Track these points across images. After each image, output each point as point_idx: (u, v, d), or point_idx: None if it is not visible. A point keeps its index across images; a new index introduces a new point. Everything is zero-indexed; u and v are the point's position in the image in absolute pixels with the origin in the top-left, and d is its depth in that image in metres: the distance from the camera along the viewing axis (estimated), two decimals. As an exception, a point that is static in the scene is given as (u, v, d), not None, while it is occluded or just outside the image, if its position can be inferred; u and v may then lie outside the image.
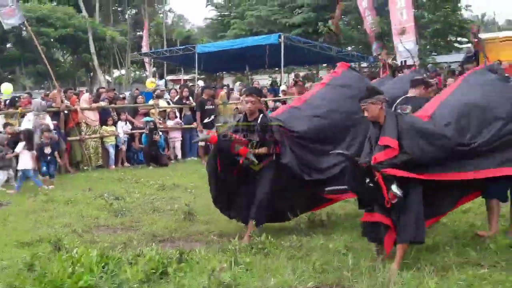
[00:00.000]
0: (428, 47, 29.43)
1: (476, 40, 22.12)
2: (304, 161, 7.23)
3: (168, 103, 17.91)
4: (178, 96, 18.17)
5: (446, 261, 5.64)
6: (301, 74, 31.39)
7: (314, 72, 35.71)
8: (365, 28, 28.43)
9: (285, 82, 25.76)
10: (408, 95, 6.92)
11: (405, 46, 19.68)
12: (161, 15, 53.74)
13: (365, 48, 30.98)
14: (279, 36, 23.19)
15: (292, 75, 30.86)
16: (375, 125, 5.89)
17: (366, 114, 5.86)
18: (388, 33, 26.89)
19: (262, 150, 7.08)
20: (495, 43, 23.87)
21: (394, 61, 25.84)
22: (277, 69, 30.55)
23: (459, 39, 30.16)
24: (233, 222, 7.79)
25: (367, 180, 5.62)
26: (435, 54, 30.42)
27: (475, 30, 20.80)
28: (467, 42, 29.34)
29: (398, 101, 6.84)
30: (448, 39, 29.49)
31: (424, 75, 10.12)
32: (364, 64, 30.98)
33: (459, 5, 29.87)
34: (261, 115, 7.23)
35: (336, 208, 8.13)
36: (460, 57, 30.01)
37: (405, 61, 24.26)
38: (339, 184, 6.85)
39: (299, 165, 7.14)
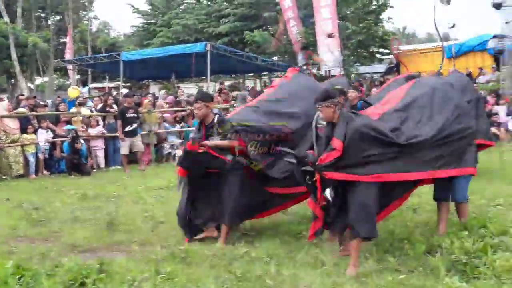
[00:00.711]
0: (352, 58, 30.03)
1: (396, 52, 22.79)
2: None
3: (91, 111, 17.57)
4: (101, 104, 17.86)
5: (366, 267, 5.72)
6: (228, 83, 31.47)
7: (241, 81, 35.85)
8: (291, 38, 28.77)
9: (212, 91, 25.75)
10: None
11: (334, 54, 20.09)
12: (86, 21, 52.82)
13: (290, 58, 31.30)
14: (206, 45, 23.21)
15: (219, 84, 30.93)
16: (329, 125, 6.16)
17: (321, 115, 6.23)
18: (313, 43, 27.29)
19: (225, 142, 7.10)
20: (415, 54, 24.61)
21: (319, 71, 26.23)
22: (203, 77, 30.49)
23: (381, 50, 30.91)
24: (156, 231, 7.71)
25: (307, 177, 5.89)
26: (358, 64, 31.10)
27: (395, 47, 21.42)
28: (389, 54, 30.13)
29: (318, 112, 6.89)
30: (371, 50, 30.19)
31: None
32: (289, 74, 31.22)
33: (381, 17, 30.65)
34: (216, 116, 7.34)
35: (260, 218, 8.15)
36: (382, 68, 30.82)
37: (329, 70, 24.66)
38: None
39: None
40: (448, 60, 24.38)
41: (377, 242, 6.70)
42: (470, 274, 5.34)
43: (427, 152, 6.22)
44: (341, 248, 6.29)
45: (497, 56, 24.91)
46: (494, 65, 25.13)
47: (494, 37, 24.94)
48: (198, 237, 7.25)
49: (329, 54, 23.74)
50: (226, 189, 7.14)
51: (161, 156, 17.64)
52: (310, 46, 27.87)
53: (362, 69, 32.15)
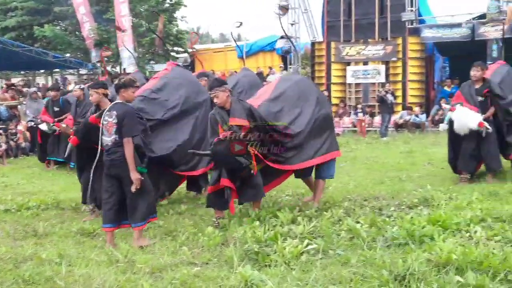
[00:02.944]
0: (146, 55, 29.94)
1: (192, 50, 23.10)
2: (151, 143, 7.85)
3: None
4: None
5: (161, 262, 5.69)
6: (17, 79, 29.94)
7: (31, 78, 34.21)
8: (83, 35, 28.08)
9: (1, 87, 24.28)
10: (117, 101, 6.86)
11: (129, 51, 19.82)
12: None
13: (83, 55, 30.49)
14: (-10, 39, 21.88)
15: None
16: (222, 109, 6.99)
17: (216, 100, 6.99)
18: (107, 40, 26.82)
19: None
20: (208, 53, 25.13)
21: (114, 68, 25.82)
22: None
23: (176, 48, 31.11)
24: None
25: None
26: (154, 62, 31.07)
27: (193, 41, 21.65)
28: (183, 52, 30.43)
29: (108, 107, 6.78)
30: (165, 48, 30.27)
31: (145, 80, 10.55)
32: (83, 71, 30.53)
33: (175, 16, 30.90)
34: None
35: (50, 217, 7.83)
36: (177, 66, 30.96)
37: (124, 68, 24.37)
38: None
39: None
40: (239, 59, 25.23)
41: (173, 236, 6.74)
42: (262, 262, 5.49)
43: (307, 141, 7.51)
44: None
45: (285, 56, 26.21)
46: (282, 65, 26.41)
47: (282, 38, 26.16)
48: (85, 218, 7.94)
49: (125, 50, 23.56)
50: None
51: None
52: (103, 43, 27.37)
53: (157, 67, 32.19)
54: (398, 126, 20.77)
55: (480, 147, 9.31)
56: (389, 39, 22.22)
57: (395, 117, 20.76)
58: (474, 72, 9.49)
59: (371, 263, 5.16)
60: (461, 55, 21.28)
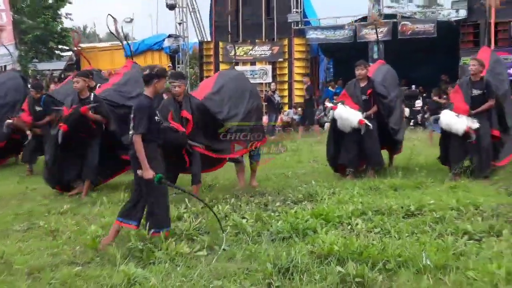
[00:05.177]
0: (29, 53, 28.91)
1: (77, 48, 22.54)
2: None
3: None
4: None
5: (40, 262, 5.49)
6: None
7: None
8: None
9: None
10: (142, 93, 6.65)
11: (9, 49, 18.97)
12: None
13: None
14: None
15: None
16: (175, 101, 8.00)
17: (177, 89, 7.95)
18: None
19: (98, 117, 8.84)
20: (94, 52, 24.63)
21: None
22: None
23: (60, 46, 30.23)
24: None
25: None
26: (37, 60, 30.04)
27: (76, 40, 20.99)
28: (68, 50, 29.62)
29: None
30: (50, 46, 29.37)
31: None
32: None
33: (59, 12, 30.02)
34: (92, 94, 8.95)
35: None
36: (62, 64, 30.17)
37: (5, 66, 23.48)
38: None
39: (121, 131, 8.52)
40: (127, 58, 24.81)
41: (54, 236, 6.51)
42: (146, 260, 5.44)
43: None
44: None
45: (173, 55, 26.02)
46: (170, 64, 26.24)
47: (169, 36, 25.96)
48: (70, 193, 8.97)
49: (3, 48, 22.67)
50: (89, 152, 8.92)
51: None
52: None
53: (41, 65, 31.15)
54: (285, 126, 21.13)
55: (363, 144, 9.62)
56: (275, 40, 22.59)
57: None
58: (359, 71, 9.85)
59: (256, 257, 5.24)
60: (344, 57, 21.98)
